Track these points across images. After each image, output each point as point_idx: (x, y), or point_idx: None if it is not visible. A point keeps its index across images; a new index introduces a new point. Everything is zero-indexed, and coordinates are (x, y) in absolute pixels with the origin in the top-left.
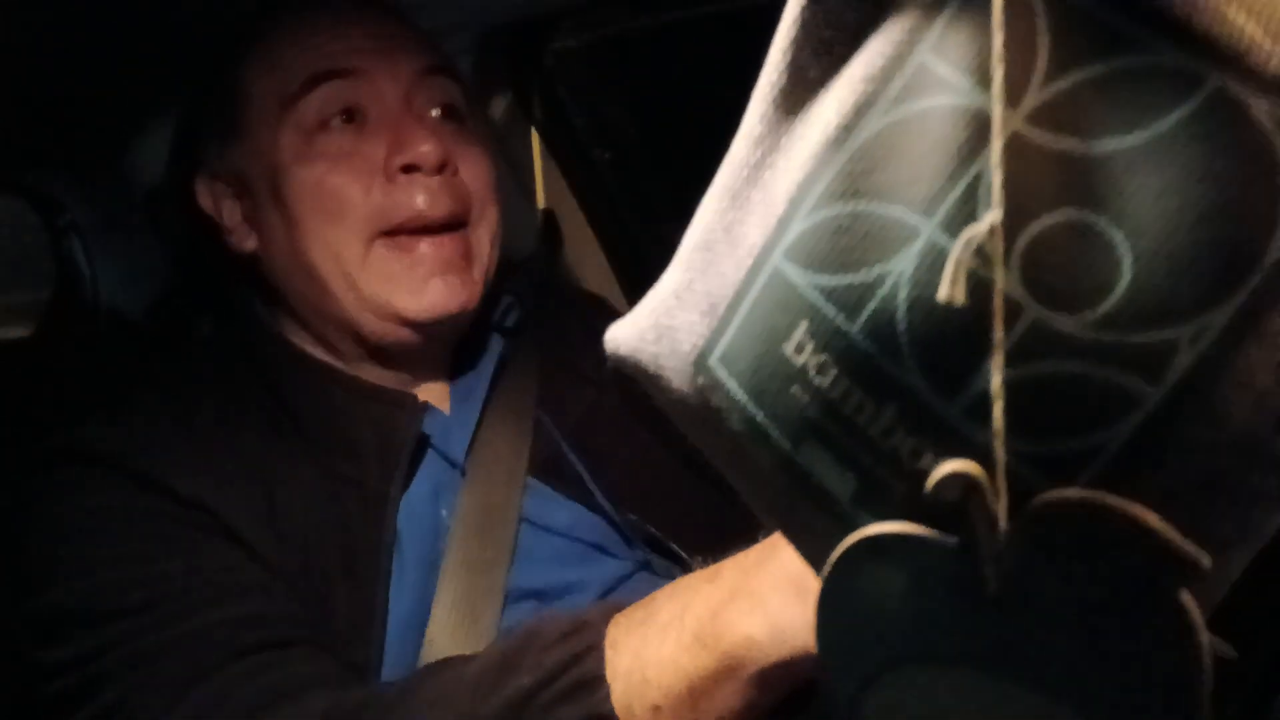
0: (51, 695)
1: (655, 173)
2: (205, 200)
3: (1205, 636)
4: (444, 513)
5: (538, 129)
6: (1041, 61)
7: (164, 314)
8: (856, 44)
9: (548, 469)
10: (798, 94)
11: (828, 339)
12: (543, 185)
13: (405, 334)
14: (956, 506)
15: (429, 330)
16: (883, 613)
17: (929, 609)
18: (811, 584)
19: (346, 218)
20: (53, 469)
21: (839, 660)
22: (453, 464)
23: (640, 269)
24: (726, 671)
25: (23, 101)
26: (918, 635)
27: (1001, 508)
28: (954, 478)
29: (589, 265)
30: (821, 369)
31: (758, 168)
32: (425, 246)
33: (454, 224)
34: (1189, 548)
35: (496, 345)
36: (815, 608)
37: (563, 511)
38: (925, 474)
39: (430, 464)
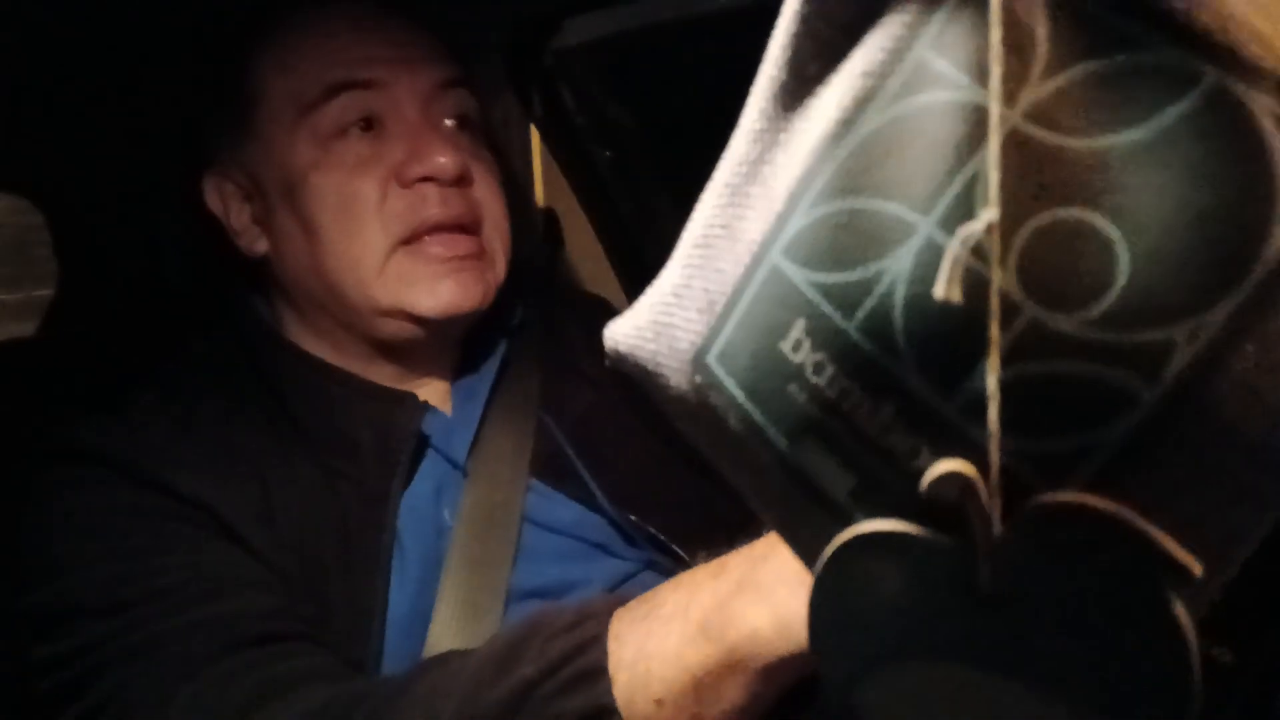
0: (47, 690)
1: (655, 173)
2: (214, 201)
3: (1195, 638)
4: (446, 513)
5: (538, 129)
6: (1039, 58)
7: (164, 313)
8: (855, 40)
9: (549, 469)
10: (797, 90)
11: (825, 337)
12: (543, 185)
13: (416, 331)
14: (952, 505)
15: (440, 328)
16: (875, 609)
17: (922, 607)
18: None
19: (364, 225)
20: (52, 468)
21: (830, 656)
22: (454, 464)
23: (640, 269)
24: (731, 664)
25: (23, 100)
26: (910, 632)
27: (996, 507)
28: (950, 477)
29: (589, 265)
30: (819, 367)
31: (757, 163)
32: (439, 247)
33: (467, 228)
34: (1179, 551)
35: (500, 346)
36: (808, 603)
37: (565, 511)
38: (922, 472)
39: (432, 464)
